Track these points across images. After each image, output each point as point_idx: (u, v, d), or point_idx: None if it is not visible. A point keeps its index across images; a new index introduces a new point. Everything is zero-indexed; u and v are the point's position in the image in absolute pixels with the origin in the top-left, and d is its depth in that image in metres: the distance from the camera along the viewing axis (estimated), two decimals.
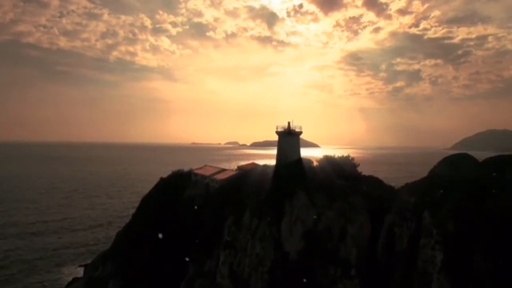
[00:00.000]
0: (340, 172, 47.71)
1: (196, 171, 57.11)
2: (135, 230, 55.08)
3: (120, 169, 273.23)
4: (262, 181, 38.54)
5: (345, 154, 50.23)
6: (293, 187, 34.63)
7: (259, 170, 44.24)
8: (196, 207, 44.26)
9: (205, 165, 61.59)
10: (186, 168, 62.51)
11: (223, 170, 52.89)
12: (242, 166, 58.62)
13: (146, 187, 71.69)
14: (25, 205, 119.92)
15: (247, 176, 42.68)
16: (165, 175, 60.92)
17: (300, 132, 40.29)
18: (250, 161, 63.43)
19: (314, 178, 37.26)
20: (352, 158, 50.04)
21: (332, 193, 34.33)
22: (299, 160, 39.06)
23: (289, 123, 40.55)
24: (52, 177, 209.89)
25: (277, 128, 40.75)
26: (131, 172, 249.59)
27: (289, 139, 39.65)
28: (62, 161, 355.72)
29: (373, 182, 48.22)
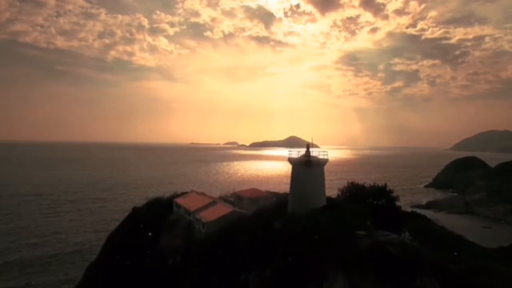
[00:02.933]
0: (372, 207, 34.13)
1: (179, 201, 43.35)
2: (97, 281, 41.54)
3: (115, 172, 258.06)
4: (270, 238, 24.75)
5: (381, 183, 36.49)
6: (322, 262, 21.00)
7: (266, 212, 30.10)
8: (171, 262, 30.68)
9: (192, 191, 47.76)
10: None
11: (213, 202, 39.04)
12: (240, 192, 44.95)
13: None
14: None
15: (245, 222, 28.95)
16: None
17: (326, 161, 26.46)
18: (251, 187, 49.62)
19: (350, 237, 23.33)
20: (390, 189, 36.29)
21: (385, 268, 20.64)
22: (327, 208, 24.87)
23: (308, 145, 26.70)
24: (40, 181, 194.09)
25: (289, 154, 26.87)
26: (125, 176, 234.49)
27: (308, 172, 25.49)
28: (57, 163, 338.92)
29: (423, 224, 34.49)
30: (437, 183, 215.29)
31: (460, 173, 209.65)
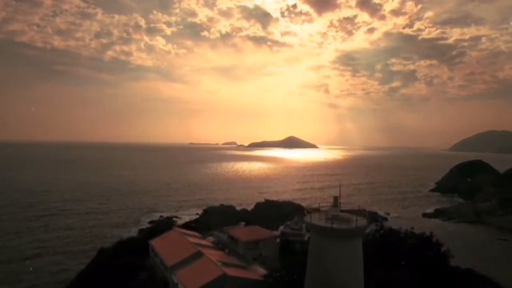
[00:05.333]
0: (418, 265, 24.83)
1: (157, 245, 33.89)
2: None
3: (112, 175, 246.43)
4: None
5: (425, 232, 26.94)
6: None
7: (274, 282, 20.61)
8: None
9: (175, 229, 38.23)
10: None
11: (198, 254, 29.49)
12: (235, 233, 35.48)
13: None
14: None
15: None
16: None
17: (366, 227, 16.38)
18: (254, 226, 40.07)
19: None
20: (437, 240, 26.79)
21: None
22: None
23: (336, 199, 16.64)
24: (32, 186, 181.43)
25: (307, 213, 16.52)
26: (122, 180, 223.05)
27: (340, 247, 15.03)
28: (53, 164, 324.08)
29: None
30: (442, 188, 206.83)
31: (465, 177, 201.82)
